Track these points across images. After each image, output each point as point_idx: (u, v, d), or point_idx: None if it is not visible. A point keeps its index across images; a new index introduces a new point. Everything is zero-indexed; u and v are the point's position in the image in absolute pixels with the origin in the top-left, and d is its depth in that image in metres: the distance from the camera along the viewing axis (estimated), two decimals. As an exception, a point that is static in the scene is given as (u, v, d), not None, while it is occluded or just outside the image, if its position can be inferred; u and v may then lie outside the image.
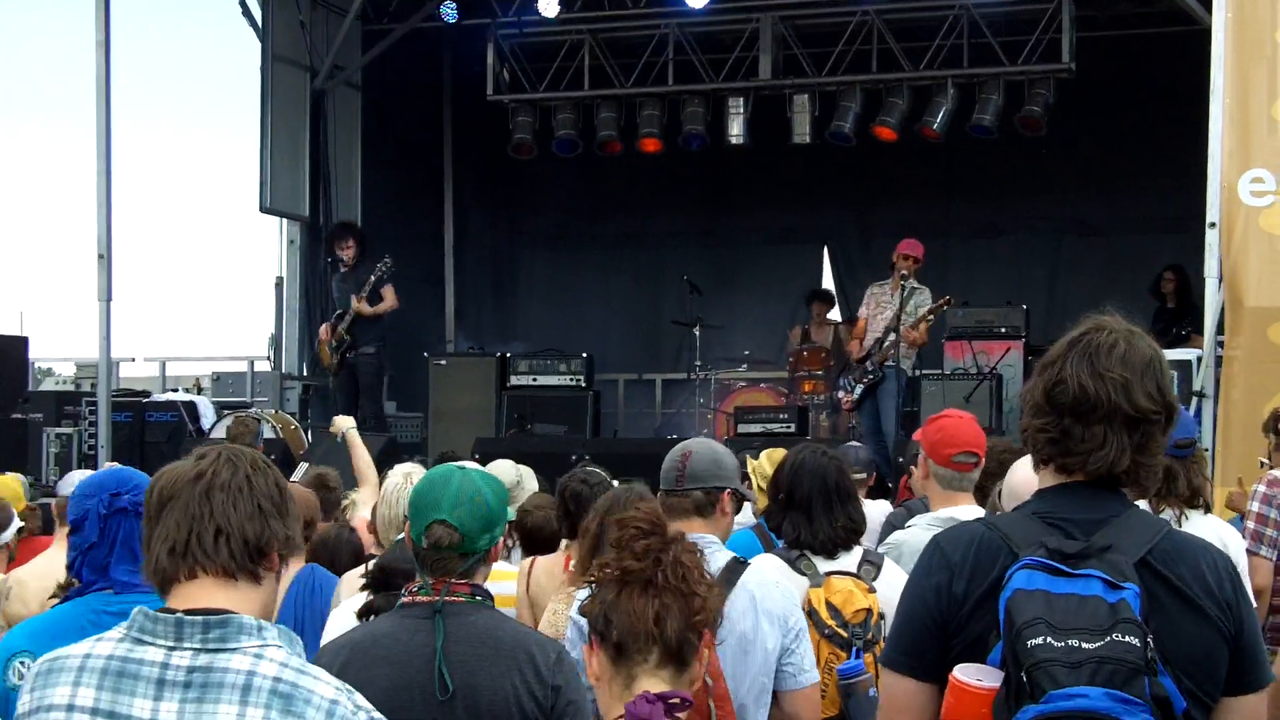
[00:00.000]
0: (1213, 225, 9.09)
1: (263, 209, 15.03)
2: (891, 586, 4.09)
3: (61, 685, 2.43)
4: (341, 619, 4.30)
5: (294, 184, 15.13)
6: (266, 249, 16.00)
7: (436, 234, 17.54)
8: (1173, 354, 9.87)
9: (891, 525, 5.69)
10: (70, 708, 2.41)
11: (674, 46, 15.06)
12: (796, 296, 15.72)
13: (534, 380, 14.00)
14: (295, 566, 4.98)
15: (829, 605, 4.19)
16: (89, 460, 12.89)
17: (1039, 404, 2.64)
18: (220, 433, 12.93)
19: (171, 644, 2.41)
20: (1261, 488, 5.82)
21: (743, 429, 12.72)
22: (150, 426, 13.51)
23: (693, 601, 2.59)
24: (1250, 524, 5.75)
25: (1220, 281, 9.10)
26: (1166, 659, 2.43)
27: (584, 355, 14.15)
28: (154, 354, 17.28)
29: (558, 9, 14.65)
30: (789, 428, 12.53)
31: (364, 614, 4.05)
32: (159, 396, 14.70)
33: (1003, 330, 13.41)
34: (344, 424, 7.27)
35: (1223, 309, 9.11)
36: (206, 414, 13.97)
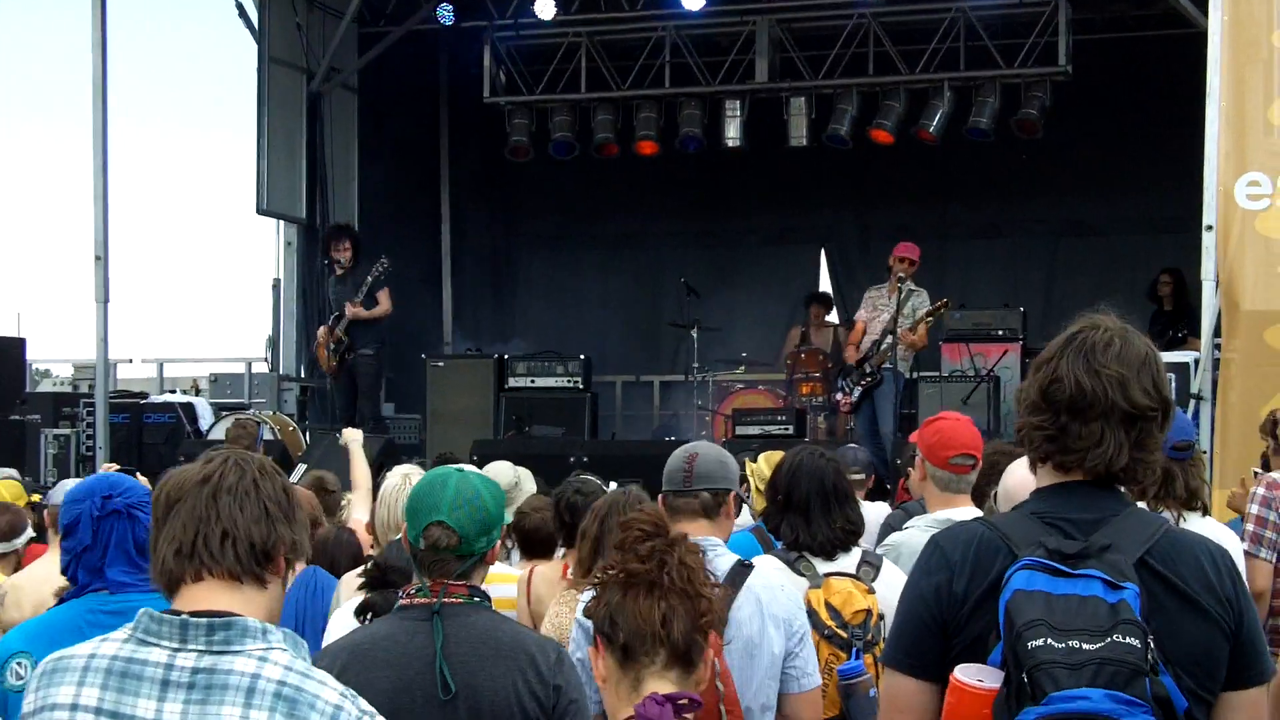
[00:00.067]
0: (1209, 228, 9.10)
1: (260, 211, 15.03)
2: (890, 587, 4.10)
3: (66, 685, 2.44)
4: (342, 620, 4.30)
5: (291, 186, 15.13)
6: (264, 251, 16.03)
7: (434, 236, 17.54)
8: (1170, 357, 9.88)
9: (889, 527, 5.70)
10: (74, 707, 2.41)
11: (670, 49, 15.06)
12: (794, 298, 15.73)
13: (532, 382, 14.00)
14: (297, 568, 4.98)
15: (828, 606, 4.20)
16: (87, 461, 12.90)
17: (1035, 402, 2.64)
18: (218, 434, 12.93)
19: (176, 645, 2.41)
20: (1260, 490, 5.82)
21: (741, 431, 12.74)
22: (148, 428, 13.50)
23: (699, 603, 2.59)
24: (1249, 526, 5.76)
25: (1217, 284, 9.12)
26: (1167, 658, 2.44)
27: (582, 357, 14.15)
28: (151, 355, 17.27)
29: (554, 11, 14.66)
30: (787, 430, 12.55)
31: (361, 612, 4.05)
32: (156, 398, 14.71)
33: (1000, 332, 13.42)
34: (351, 435, 7.34)
35: (1220, 312, 9.12)
36: (204, 415, 13.98)
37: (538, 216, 17.53)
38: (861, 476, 7.17)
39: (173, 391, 15.59)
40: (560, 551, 5.43)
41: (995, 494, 4.41)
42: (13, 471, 9.29)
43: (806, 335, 14.40)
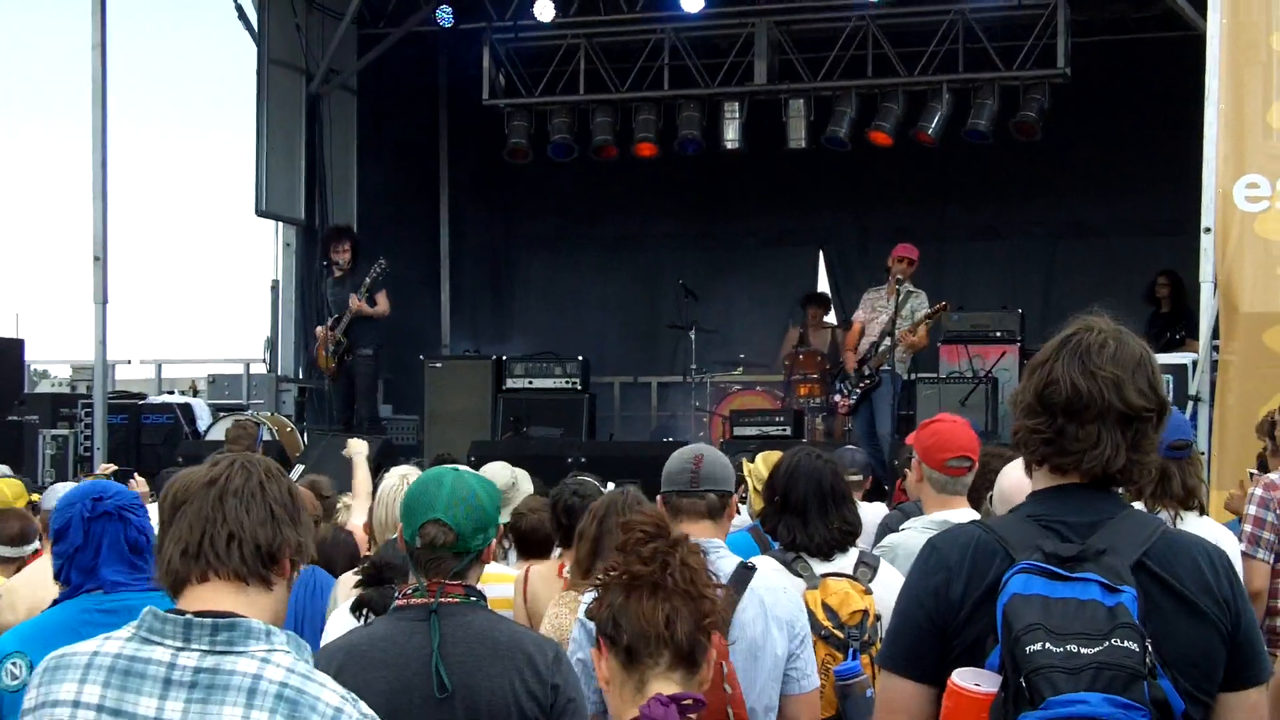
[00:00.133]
0: (1208, 230, 9.10)
1: (258, 212, 15.03)
2: (888, 588, 4.11)
3: (68, 682, 2.45)
4: (340, 620, 4.31)
5: (290, 187, 15.14)
6: (262, 252, 16.05)
7: (432, 237, 17.54)
8: (1168, 359, 9.89)
9: (886, 528, 5.70)
10: (76, 704, 2.42)
11: (669, 51, 15.06)
12: (792, 300, 15.71)
13: (530, 383, 14.00)
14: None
15: (825, 607, 4.21)
16: (85, 462, 12.90)
17: (1031, 405, 2.64)
18: (216, 435, 12.94)
19: (179, 644, 2.42)
20: (1258, 490, 5.83)
21: (739, 432, 12.75)
22: (146, 429, 13.51)
23: (702, 604, 2.59)
24: (1247, 527, 5.76)
25: (1215, 286, 9.12)
26: (1164, 661, 2.44)
27: (580, 358, 14.15)
28: (150, 356, 17.31)
29: (553, 14, 14.67)
30: (785, 431, 12.56)
31: (357, 608, 4.05)
32: (155, 399, 14.72)
33: (998, 334, 13.43)
34: (356, 448, 7.38)
35: (1218, 314, 9.12)
36: (202, 416, 13.99)
37: (536, 218, 17.54)
38: (859, 478, 7.17)
39: (171, 392, 15.61)
40: (557, 551, 5.43)
41: (990, 496, 4.42)
42: (4, 468, 9.29)
43: (805, 336, 14.40)
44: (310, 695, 2.38)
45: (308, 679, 2.41)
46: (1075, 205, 15.69)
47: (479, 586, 3.43)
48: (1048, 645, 2.36)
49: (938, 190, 16.03)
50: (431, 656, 3.22)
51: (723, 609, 2.79)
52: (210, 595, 2.48)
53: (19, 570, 6.00)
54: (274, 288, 15.56)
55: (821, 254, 16.77)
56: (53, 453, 13.25)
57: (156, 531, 2.61)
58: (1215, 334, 9.19)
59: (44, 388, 17.67)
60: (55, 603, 3.86)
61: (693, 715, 2.52)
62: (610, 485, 5.63)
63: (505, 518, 5.62)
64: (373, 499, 5.59)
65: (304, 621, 4.90)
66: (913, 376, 12.61)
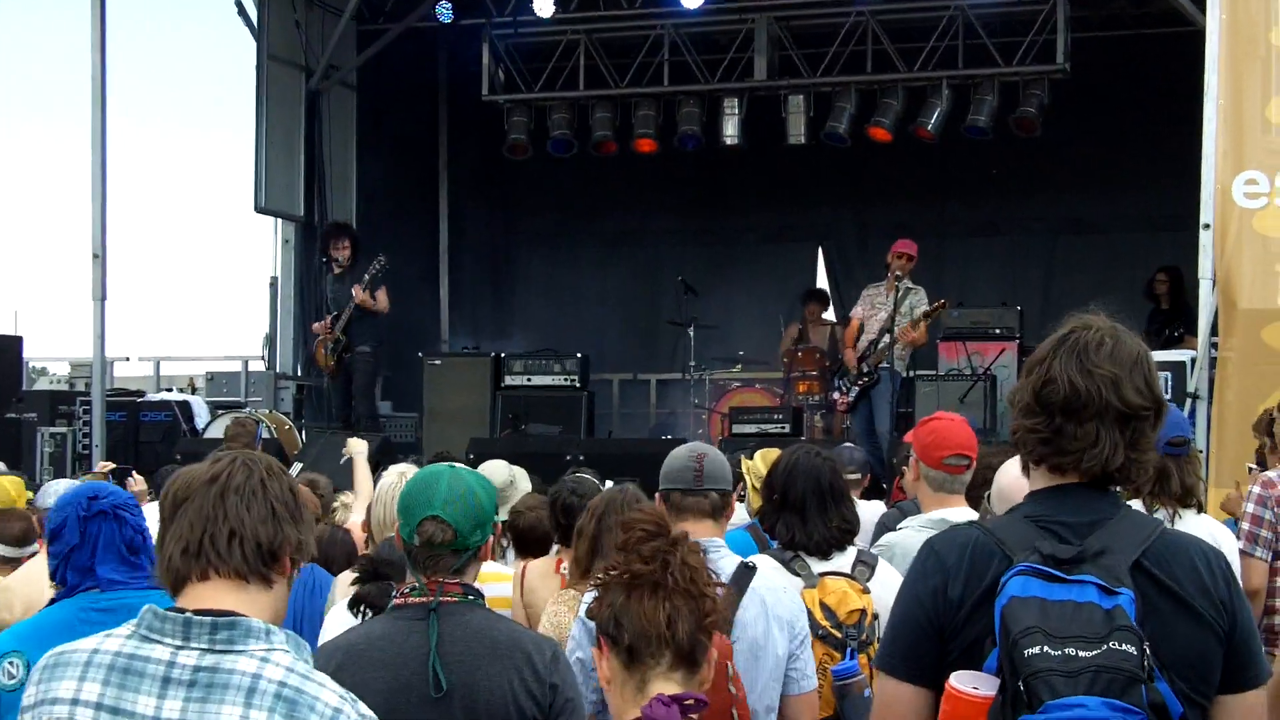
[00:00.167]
0: (1207, 227, 9.10)
1: (258, 209, 15.03)
2: (886, 587, 4.11)
3: (67, 679, 2.45)
4: (338, 617, 4.31)
5: (289, 184, 15.13)
6: (261, 249, 16.04)
7: (432, 233, 17.54)
8: (1166, 355, 9.89)
9: (884, 526, 5.70)
10: (75, 702, 2.42)
11: (669, 47, 15.06)
12: (792, 296, 15.71)
13: (529, 380, 14.00)
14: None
15: (823, 606, 4.20)
16: (83, 460, 12.90)
17: (1029, 404, 2.63)
18: (214, 433, 12.95)
19: (179, 643, 2.42)
20: (1256, 489, 5.82)
21: (738, 429, 12.75)
22: (144, 426, 13.51)
23: (703, 603, 2.59)
24: (1245, 525, 5.75)
25: (1214, 283, 9.11)
26: (1162, 663, 2.43)
27: (579, 355, 14.15)
28: (148, 354, 17.31)
29: (553, 9, 14.65)
30: (784, 428, 12.56)
31: (355, 604, 4.04)
32: (153, 396, 14.71)
33: (998, 331, 13.43)
34: (356, 448, 7.38)
35: (1217, 310, 9.11)
36: (201, 414, 13.99)
37: (536, 214, 17.54)
38: (857, 476, 7.17)
39: (169, 390, 15.59)
40: (554, 548, 5.43)
41: (989, 495, 4.41)
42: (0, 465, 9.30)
43: (804, 333, 14.39)
44: (309, 695, 2.38)
45: (307, 678, 2.41)
46: (1075, 201, 15.69)
47: (477, 585, 3.43)
48: (1046, 649, 2.35)
49: (937, 186, 16.02)
50: (430, 656, 3.22)
51: (724, 608, 2.79)
52: (211, 593, 2.48)
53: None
54: (273, 285, 15.56)
55: (821, 250, 16.77)
56: (51, 450, 13.24)
57: (155, 530, 2.61)
58: (1214, 330, 9.18)
59: (42, 385, 17.62)
60: (52, 602, 3.86)
61: (694, 715, 2.52)
62: (609, 483, 5.63)
63: (503, 516, 5.63)
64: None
65: (303, 620, 4.90)
66: (912, 374, 12.60)
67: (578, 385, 13.99)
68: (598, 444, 12.74)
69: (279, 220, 15.44)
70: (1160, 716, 2.38)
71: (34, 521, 6.23)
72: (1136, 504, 4.64)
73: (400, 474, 5.28)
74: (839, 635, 4.17)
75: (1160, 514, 4.72)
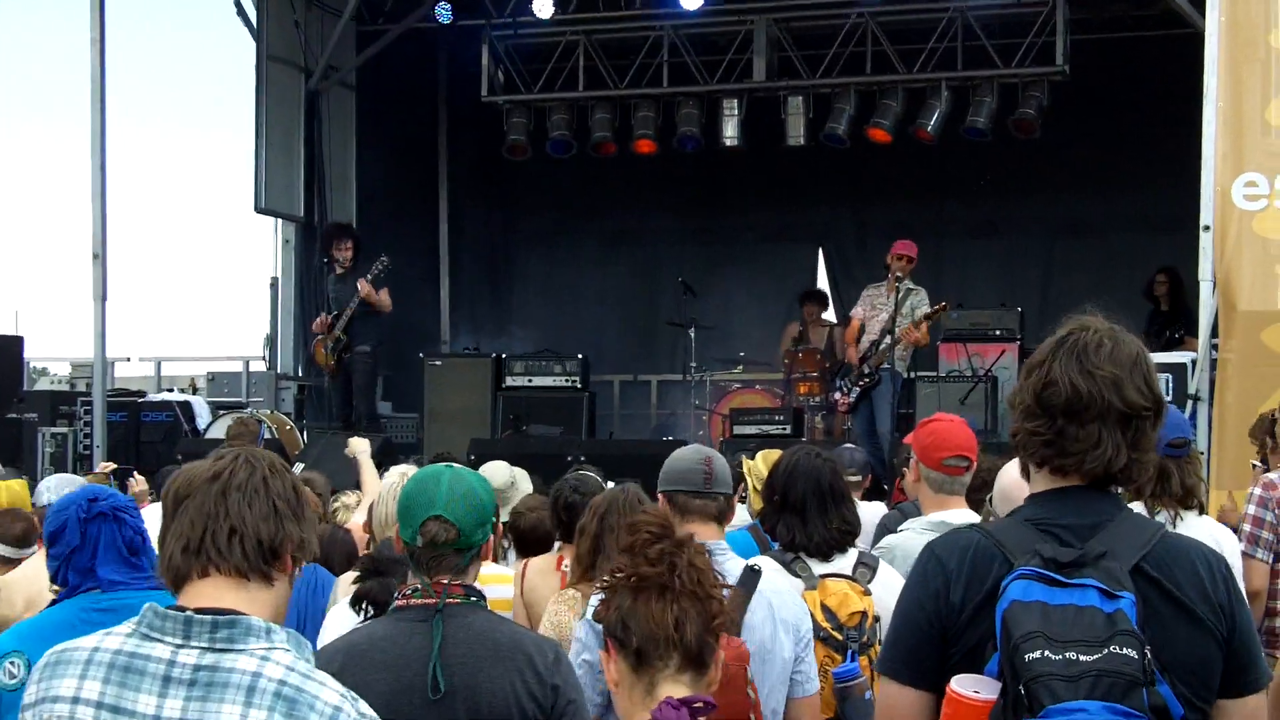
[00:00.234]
0: (1206, 228, 9.10)
1: (258, 209, 15.03)
2: (887, 589, 4.11)
3: (68, 678, 2.45)
4: (339, 615, 4.31)
5: (289, 184, 15.13)
6: (261, 249, 16.05)
7: (432, 234, 17.54)
8: (1166, 357, 9.89)
9: (885, 527, 5.70)
10: (75, 700, 2.42)
11: (668, 48, 15.06)
12: (791, 296, 15.70)
13: (529, 381, 14.00)
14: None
15: (824, 608, 4.20)
16: (84, 460, 12.90)
17: (1030, 407, 2.63)
18: (216, 433, 12.94)
19: (179, 641, 2.42)
20: (1257, 490, 5.82)
21: (738, 430, 12.76)
22: (145, 426, 13.50)
23: (710, 605, 2.59)
24: (1246, 527, 5.76)
25: (1214, 285, 9.11)
26: (1163, 667, 2.43)
27: (579, 356, 14.15)
28: (149, 354, 17.30)
29: (552, 10, 14.65)
30: (784, 429, 12.56)
31: (356, 601, 4.04)
32: (154, 396, 14.70)
33: (998, 333, 13.43)
34: (358, 447, 7.35)
35: (1216, 312, 9.12)
36: (201, 414, 13.98)
37: (535, 213, 17.54)
38: (858, 478, 7.17)
39: (170, 390, 15.58)
40: (556, 545, 5.43)
41: (990, 498, 4.42)
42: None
43: (804, 334, 14.40)
44: (309, 694, 2.38)
45: (307, 677, 2.41)
46: (1074, 203, 15.69)
47: (479, 587, 3.43)
48: (1047, 653, 2.35)
49: (936, 187, 16.02)
50: (431, 658, 3.22)
51: (731, 610, 2.79)
52: (211, 591, 2.48)
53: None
54: (273, 285, 15.57)
55: (821, 251, 16.76)
56: (52, 450, 13.24)
57: (155, 531, 2.61)
58: (1214, 332, 9.19)
59: (43, 385, 17.63)
60: (53, 603, 3.86)
61: (703, 718, 2.52)
62: (610, 484, 5.63)
63: (504, 517, 5.63)
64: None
65: (306, 620, 4.90)
66: (912, 375, 12.61)
67: (579, 386, 13.99)
68: (599, 445, 12.73)
69: (279, 220, 15.45)
70: (1162, 719, 2.38)
71: (35, 522, 6.25)
72: (1138, 506, 4.65)
73: (401, 474, 5.27)
74: (840, 637, 4.17)
75: (1161, 515, 4.72)
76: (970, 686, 2.47)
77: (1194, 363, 9.47)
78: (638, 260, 17.26)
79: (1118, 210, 15.48)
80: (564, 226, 17.39)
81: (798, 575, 4.29)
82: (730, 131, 14.98)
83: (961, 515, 4.69)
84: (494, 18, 15.23)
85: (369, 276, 13.06)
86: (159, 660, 2.41)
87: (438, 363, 14.39)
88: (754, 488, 6.08)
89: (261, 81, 14.84)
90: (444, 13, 15.00)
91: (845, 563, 4.39)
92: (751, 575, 3.90)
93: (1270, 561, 5.74)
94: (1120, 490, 2.67)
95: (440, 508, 3.32)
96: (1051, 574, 2.45)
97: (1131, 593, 2.43)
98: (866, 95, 14.61)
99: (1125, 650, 2.35)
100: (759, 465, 6.19)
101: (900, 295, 11.84)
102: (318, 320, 13.56)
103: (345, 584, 4.74)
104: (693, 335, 14.12)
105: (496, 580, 4.92)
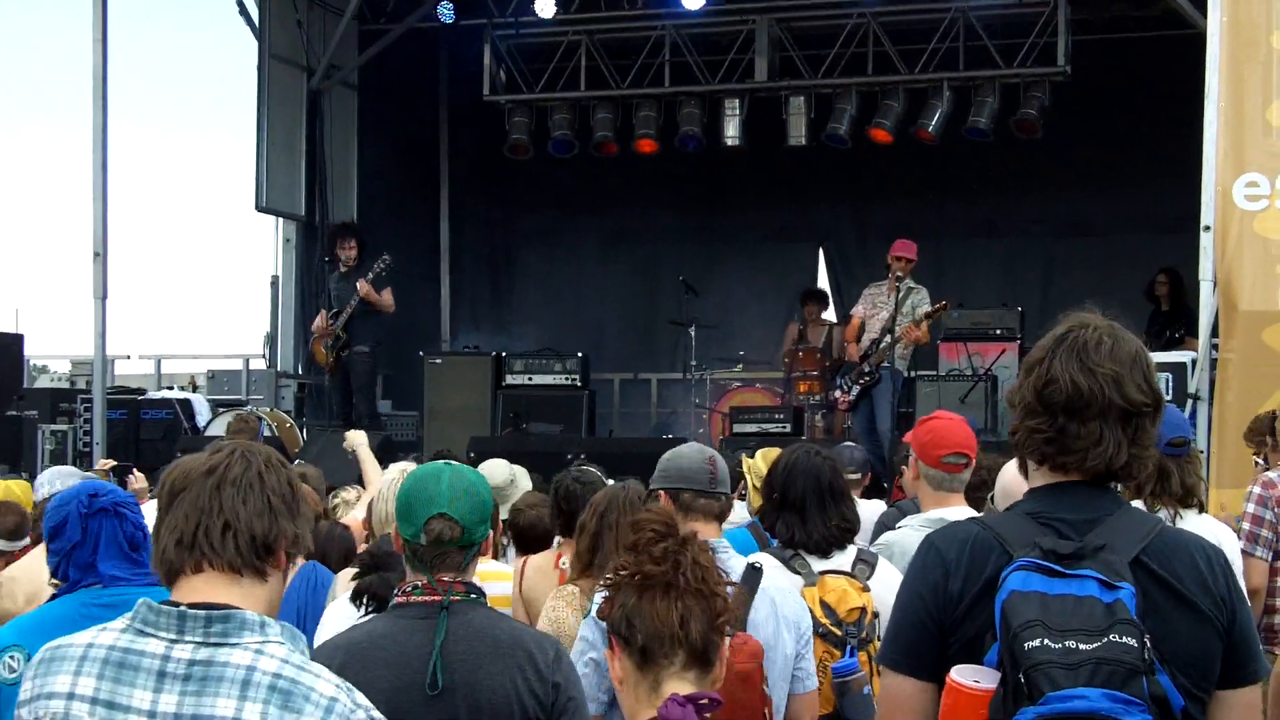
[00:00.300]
0: (1207, 228, 9.11)
1: (259, 208, 15.04)
2: (886, 585, 4.12)
3: (63, 674, 2.45)
4: (338, 610, 4.30)
5: (290, 183, 15.15)
6: (262, 248, 16.06)
7: (433, 233, 17.56)
8: (1167, 357, 9.89)
9: (884, 525, 5.71)
10: (70, 696, 2.42)
11: (670, 48, 15.08)
12: (791, 295, 15.72)
13: (529, 379, 14.01)
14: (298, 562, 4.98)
15: (823, 604, 4.22)
16: (84, 457, 12.90)
17: (1030, 405, 2.63)
18: (215, 430, 12.95)
19: (173, 637, 2.42)
20: (1256, 489, 5.83)
21: (738, 429, 12.77)
22: (145, 424, 13.51)
23: (714, 602, 2.60)
24: (1246, 525, 5.77)
25: (1215, 285, 9.12)
26: (1163, 657, 2.43)
27: (579, 355, 14.17)
28: (149, 352, 17.30)
29: (554, 10, 14.66)
30: (784, 428, 12.57)
31: (357, 595, 4.04)
32: (154, 394, 14.71)
33: (998, 332, 13.44)
34: (356, 439, 7.29)
35: (1217, 312, 9.12)
36: (201, 412, 13.99)
37: (536, 212, 17.54)
38: (858, 476, 7.18)
39: (170, 388, 15.59)
40: (556, 540, 5.43)
41: (992, 496, 4.42)
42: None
43: (804, 333, 14.41)
44: (304, 685, 2.38)
45: (302, 669, 2.41)
46: (1075, 202, 15.69)
47: (479, 584, 3.43)
48: (1046, 641, 2.35)
49: (937, 186, 16.02)
50: (432, 655, 3.21)
51: (735, 608, 2.79)
52: (204, 586, 2.47)
53: (9, 564, 6.01)
54: (274, 283, 15.58)
55: (821, 251, 16.77)
56: (52, 448, 13.25)
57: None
58: (1215, 332, 9.19)
59: (43, 383, 17.62)
60: (53, 598, 3.86)
61: (709, 715, 2.52)
62: (610, 482, 5.63)
63: (504, 514, 5.63)
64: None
65: (305, 617, 4.90)
66: (912, 374, 12.62)
67: (579, 384, 14.00)
68: (598, 443, 12.75)
69: (280, 219, 15.46)
70: (1161, 709, 2.38)
71: (28, 515, 6.25)
72: (1138, 504, 4.65)
73: (402, 471, 5.27)
74: (839, 633, 4.19)
75: (1161, 514, 4.72)
76: (970, 676, 2.47)
77: (1194, 362, 9.48)
78: (638, 259, 17.26)
79: (1119, 210, 15.48)
80: (565, 225, 17.38)
81: (797, 572, 4.30)
82: (732, 131, 14.99)
83: (960, 513, 4.69)
84: (496, 17, 15.24)
85: (370, 276, 13.08)
86: (153, 655, 2.41)
87: (438, 361, 14.40)
88: (754, 485, 6.09)
89: (263, 80, 14.86)
90: (446, 12, 15.01)
91: (844, 560, 4.40)
92: (754, 573, 3.91)
93: (1269, 559, 5.75)
94: (1120, 489, 2.68)
95: (444, 505, 3.31)
96: (1051, 565, 2.45)
97: (1131, 584, 2.43)
98: (868, 95, 14.62)
99: (1125, 639, 2.36)
100: (759, 463, 6.20)
101: (901, 294, 11.85)
102: (317, 319, 13.57)
103: (345, 580, 4.73)
104: (693, 334, 14.12)
105: (496, 577, 4.93)
